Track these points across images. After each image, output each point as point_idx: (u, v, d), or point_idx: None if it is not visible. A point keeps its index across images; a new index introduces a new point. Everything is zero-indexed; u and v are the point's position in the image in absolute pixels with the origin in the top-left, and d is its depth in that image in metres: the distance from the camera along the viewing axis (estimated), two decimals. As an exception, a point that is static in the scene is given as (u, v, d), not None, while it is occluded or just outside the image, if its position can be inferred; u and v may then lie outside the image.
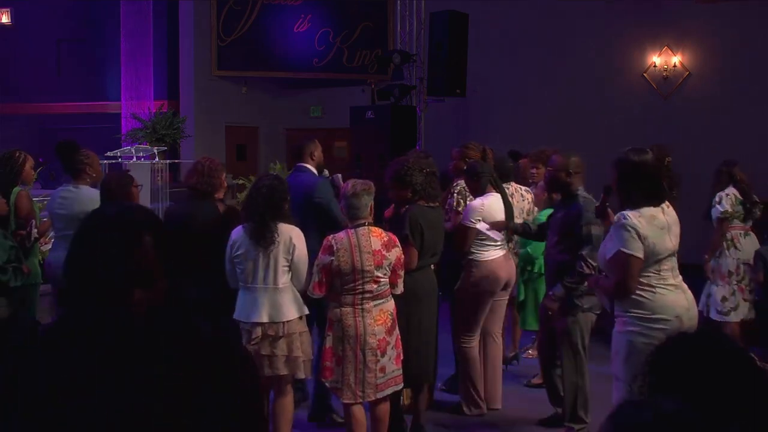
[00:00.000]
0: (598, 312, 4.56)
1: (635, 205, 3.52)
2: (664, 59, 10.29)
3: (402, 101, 10.25)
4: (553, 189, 4.84)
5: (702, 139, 9.45)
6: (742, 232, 6.16)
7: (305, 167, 5.19)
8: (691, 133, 9.66)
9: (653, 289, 3.52)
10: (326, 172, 5.58)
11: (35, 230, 5.05)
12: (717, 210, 6.14)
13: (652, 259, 3.50)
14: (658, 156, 6.60)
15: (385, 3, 11.90)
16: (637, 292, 3.51)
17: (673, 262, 3.62)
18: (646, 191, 3.54)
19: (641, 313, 3.50)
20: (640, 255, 3.45)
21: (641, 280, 3.51)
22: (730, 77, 9.82)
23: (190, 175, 4.50)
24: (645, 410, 1.29)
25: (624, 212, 3.51)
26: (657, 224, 3.52)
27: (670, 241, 3.58)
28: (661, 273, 3.55)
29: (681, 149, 9.19)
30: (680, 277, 3.68)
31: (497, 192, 5.06)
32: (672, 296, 3.56)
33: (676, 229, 3.64)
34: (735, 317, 6.11)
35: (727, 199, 6.11)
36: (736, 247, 6.11)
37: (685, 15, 10.09)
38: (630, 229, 3.45)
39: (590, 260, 4.32)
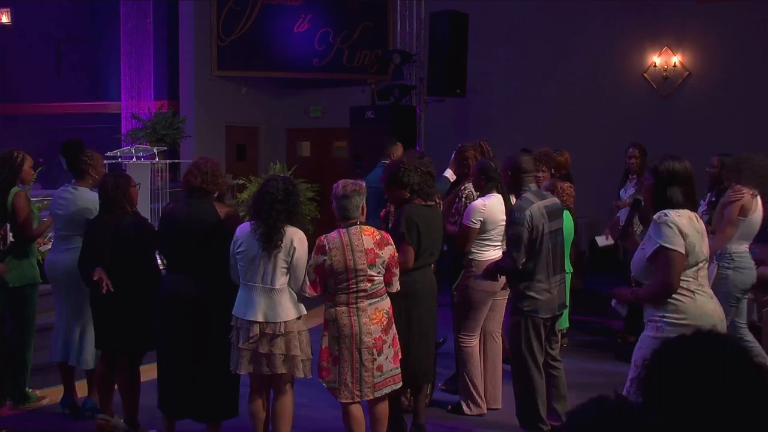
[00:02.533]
0: (544, 316, 4.52)
1: (675, 207, 3.48)
2: (664, 59, 10.28)
3: (402, 101, 10.24)
4: (510, 190, 4.82)
5: (702, 139, 9.44)
6: None
7: (386, 163, 6.06)
8: (691, 133, 9.65)
9: (693, 295, 3.45)
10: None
11: (10, 234, 5.03)
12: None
13: (693, 260, 3.45)
14: (640, 154, 6.59)
15: (385, 3, 11.89)
16: (676, 296, 3.43)
17: (705, 271, 3.59)
18: (685, 194, 3.51)
19: (678, 319, 3.42)
20: (683, 251, 3.40)
21: (681, 284, 3.43)
22: (730, 77, 9.82)
23: (193, 175, 4.46)
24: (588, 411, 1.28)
25: (664, 210, 3.46)
26: (695, 227, 3.49)
27: (706, 247, 3.56)
28: (699, 279, 3.50)
29: (681, 149, 9.20)
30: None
31: (499, 193, 5.05)
32: (711, 304, 3.52)
33: (706, 239, 3.60)
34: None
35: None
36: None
37: (685, 15, 10.08)
38: (672, 225, 3.40)
39: (510, 258, 4.40)
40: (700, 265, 3.51)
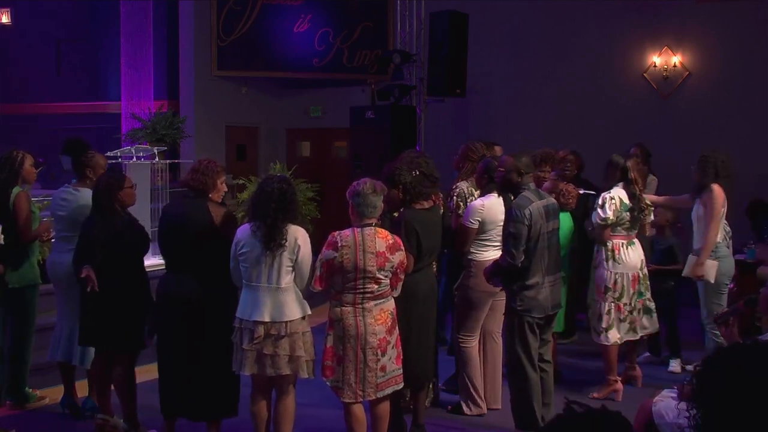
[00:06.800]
0: (537, 315, 4.52)
1: None
2: (664, 59, 10.28)
3: (402, 101, 10.23)
4: (505, 189, 4.81)
5: (702, 139, 9.43)
6: (625, 242, 5.45)
7: None
8: (691, 133, 9.65)
9: None
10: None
11: (1, 236, 5.02)
12: (597, 215, 5.41)
13: None
14: (642, 154, 6.61)
15: (385, 3, 11.88)
16: None
17: None
18: None
19: None
20: None
21: None
22: (730, 77, 9.81)
23: (188, 172, 4.52)
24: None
25: None
26: None
27: None
28: None
29: (681, 149, 9.23)
30: None
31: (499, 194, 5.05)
32: None
33: None
34: (608, 340, 5.48)
35: (611, 203, 5.36)
36: (615, 260, 5.43)
37: (685, 15, 10.07)
38: None
39: (509, 255, 4.43)
40: None
